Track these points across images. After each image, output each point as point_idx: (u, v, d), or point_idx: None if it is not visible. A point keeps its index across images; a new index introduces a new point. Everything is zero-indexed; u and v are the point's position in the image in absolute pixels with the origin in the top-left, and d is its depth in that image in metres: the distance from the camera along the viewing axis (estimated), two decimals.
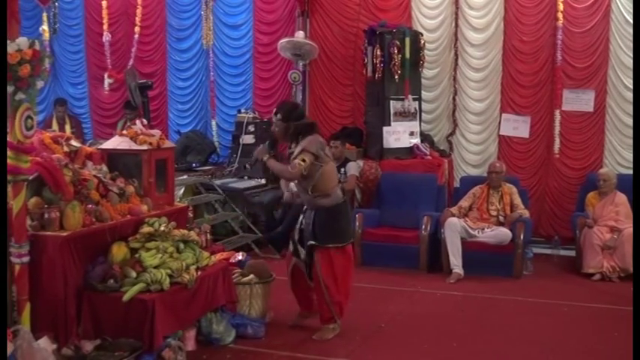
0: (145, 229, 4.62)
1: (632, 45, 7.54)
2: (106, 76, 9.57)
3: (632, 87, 7.57)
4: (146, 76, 9.18)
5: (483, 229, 6.95)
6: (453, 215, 7.01)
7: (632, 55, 7.56)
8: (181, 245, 4.80)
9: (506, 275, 6.82)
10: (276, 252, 7.66)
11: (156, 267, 4.44)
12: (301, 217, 5.11)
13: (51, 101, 9.91)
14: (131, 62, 9.42)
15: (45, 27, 9.40)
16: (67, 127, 9.29)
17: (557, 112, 7.94)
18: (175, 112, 9.63)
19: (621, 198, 7.07)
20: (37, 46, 3.84)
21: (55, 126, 9.11)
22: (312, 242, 4.95)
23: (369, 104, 8.23)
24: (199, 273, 4.69)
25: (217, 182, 8.02)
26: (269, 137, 5.54)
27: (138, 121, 5.39)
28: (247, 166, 5.84)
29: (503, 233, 6.86)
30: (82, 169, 4.74)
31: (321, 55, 8.62)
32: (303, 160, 4.79)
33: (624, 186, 7.09)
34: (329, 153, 5.06)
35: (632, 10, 7.51)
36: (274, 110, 5.14)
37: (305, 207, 5.09)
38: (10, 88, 3.75)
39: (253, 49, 9.15)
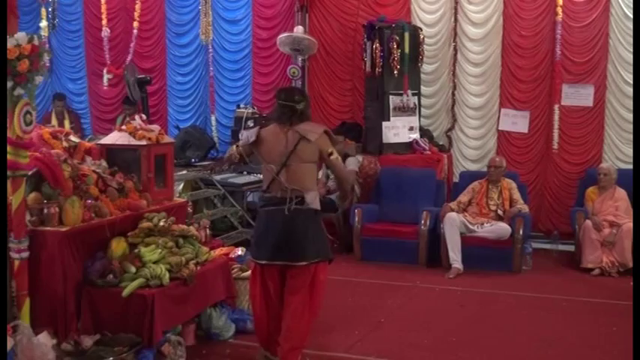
0: (144, 224, 4.62)
1: (631, 40, 7.54)
2: (105, 71, 9.56)
3: (631, 82, 7.57)
4: (145, 71, 9.19)
5: (482, 224, 6.95)
6: (452, 210, 7.02)
7: (631, 50, 7.56)
8: (181, 240, 4.81)
9: (506, 270, 6.83)
10: None
11: (155, 262, 4.45)
12: None
13: (49, 96, 9.91)
14: (130, 57, 9.41)
15: (44, 22, 9.39)
16: (66, 123, 9.29)
17: (556, 107, 7.94)
18: (175, 108, 9.62)
19: (621, 193, 7.07)
20: (36, 41, 3.83)
21: (54, 121, 9.11)
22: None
23: (368, 99, 8.22)
24: (199, 268, 4.69)
25: (216, 177, 8.02)
26: None
27: (137, 117, 5.38)
28: None
29: (503, 228, 6.86)
30: (81, 165, 4.74)
31: (320, 50, 8.61)
32: (237, 146, 4.51)
33: (623, 181, 7.10)
34: (270, 152, 4.25)
35: (631, 5, 7.50)
36: None
37: None
38: (8, 84, 3.74)
39: (252, 44, 9.13)
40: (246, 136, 4.40)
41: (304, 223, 4.18)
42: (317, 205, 4.26)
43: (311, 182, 4.26)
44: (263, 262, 4.24)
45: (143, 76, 8.50)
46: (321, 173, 7.84)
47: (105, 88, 9.66)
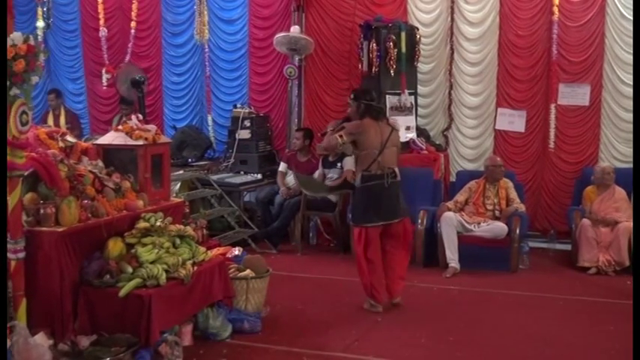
0: (141, 224, 4.62)
1: (627, 39, 7.56)
2: (104, 71, 9.53)
3: (627, 81, 7.59)
4: (141, 71, 9.16)
5: (479, 223, 6.95)
6: (449, 210, 7.02)
7: (627, 49, 7.58)
8: (177, 240, 4.80)
9: (503, 269, 6.83)
10: (272, 247, 7.68)
11: (152, 262, 4.44)
12: None
13: (45, 97, 9.89)
14: (128, 57, 9.39)
15: (41, 22, 9.39)
16: (62, 119, 9.30)
17: (552, 107, 7.94)
18: (171, 108, 9.59)
19: (621, 193, 7.08)
20: (32, 41, 3.82)
21: (50, 119, 9.11)
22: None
23: None
24: (195, 268, 4.69)
25: (213, 177, 8.03)
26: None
27: (133, 117, 5.38)
28: (320, 135, 6.44)
29: (500, 227, 6.87)
30: (78, 165, 4.73)
31: (317, 50, 8.59)
32: (341, 136, 5.45)
33: (620, 180, 7.12)
34: (373, 140, 5.47)
35: (627, 5, 7.51)
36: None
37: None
38: None
39: (249, 44, 9.10)
40: (355, 125, 5.52)
41: (396, 191, 5.58)
42: (400, 177, 5.63)
43: (396, 161, 5.68)
44: (371, 225, 5.49)
45: (137, 76, 8.50)
46: (317, 173, 7.85)
47: (104, 88, 9.64)
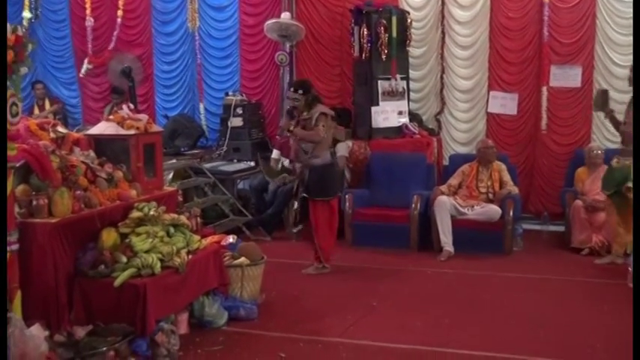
0: (135, 214, 4.61)
1: (618, 20, 7.60)
2: (86, 61, 9.43)
3: (619, 62, 7.62)
4: (134, 59, 9.10)
5: (473, 206, 6.97)
6: (443, 193, 7.04)
7: (618, 30, 7.62)
8: (171, 229, 4.80)
9: (497, 252, 6.86)
10: (266, 234, 7.68)
11: (146, 251, 4.44)
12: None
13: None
14: (112, 46, 9.30)
15: (27, 13, 9.31)
16: (48, 106, 9.26)
17: (544, 89, 7.94)
18: (162, 97, 9.54)
19: None
20: (20, 32, 3.79)
21: (35, 109, 9.06)
22: (305, 195, 6.31)
23: (356, 84, 8.19)
24: (190, 257, 4.70)
25: (206, 166, 8.01)
26: (286, 111, 6.65)
27: (124, 106, 5.36)
28: (278, 137, 7.12)
29: (493, 210, 6.89)
30: (70, 156, 4.71)
31: (308, 36, 8.57)
32: (323, 125, 6.07)
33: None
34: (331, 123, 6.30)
35: None
36: (292, 88, 6.40)
37: (301, 166, 6.32)
38: None
39: (239, 31, 9.06)
40: (324, 113, 6.18)
41: None
42: None
43: None
44: (336, 196, 6.33)
45: (125, 66, 8.46)
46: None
47: (82, 77, 9.54)
